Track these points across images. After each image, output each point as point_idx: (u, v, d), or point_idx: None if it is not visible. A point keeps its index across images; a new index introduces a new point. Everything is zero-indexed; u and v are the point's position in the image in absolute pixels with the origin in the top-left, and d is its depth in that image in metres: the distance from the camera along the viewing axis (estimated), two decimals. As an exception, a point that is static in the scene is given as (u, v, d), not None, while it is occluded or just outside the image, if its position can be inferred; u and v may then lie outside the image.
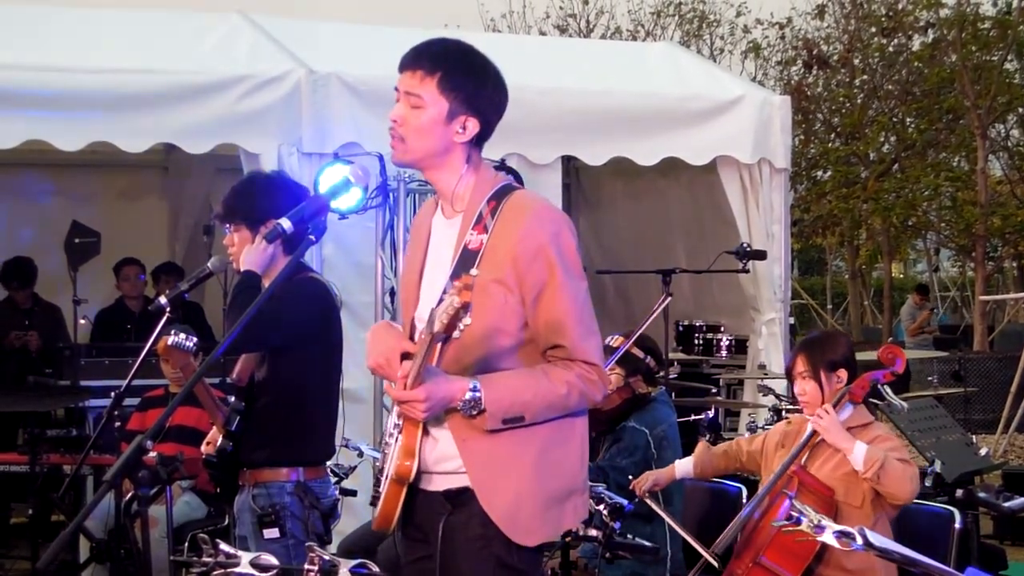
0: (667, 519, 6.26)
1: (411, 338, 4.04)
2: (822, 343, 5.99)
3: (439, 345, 3.82)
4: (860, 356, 6.02)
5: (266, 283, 5.42)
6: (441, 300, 3.60)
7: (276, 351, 5.31)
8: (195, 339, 5.24)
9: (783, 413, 8.36)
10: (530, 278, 3.86)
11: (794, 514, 3.92)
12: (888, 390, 5.93)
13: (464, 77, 3.96)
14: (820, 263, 39.13)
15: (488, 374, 3.86)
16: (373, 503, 4.15)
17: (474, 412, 3.82)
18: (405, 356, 3.87)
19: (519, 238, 3.87)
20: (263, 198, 5.40)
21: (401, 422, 3.96)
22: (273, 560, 3.78)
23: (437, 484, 3.97)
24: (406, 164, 4.10)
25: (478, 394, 3.80)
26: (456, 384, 3.82)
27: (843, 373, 5.81)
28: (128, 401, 7.14)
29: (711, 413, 9.06)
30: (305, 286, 5.39)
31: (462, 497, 3.92)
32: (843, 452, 5.59)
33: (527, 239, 3.87)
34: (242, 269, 5.34)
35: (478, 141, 4.04)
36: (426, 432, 3.94)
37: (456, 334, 3.65)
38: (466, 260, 3.90)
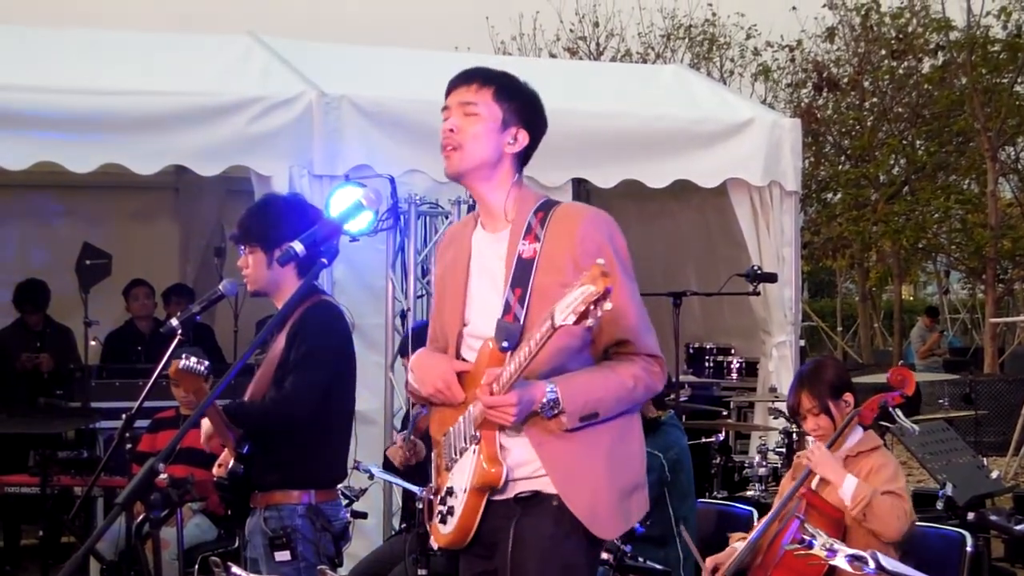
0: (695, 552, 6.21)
1: (458, 353, 4.17)
2: (818, 374, 5.92)
3: (508, 353, 3.90)
4: (871, 379, 6.02)
5: (278, 305, 5.45)
6: (563, 294, 3.62)
7: (288, 373, 5.32)
8: (207, 363, 5.24)
9: (793, 436, 8.36)
10: None
11: (806, 537, 3.92)
12: (900, 413, 5.93)
13: (516, 91, 4.20)
14: (830, 285, 39.09)
15: (561, 375, 3.97)
16: (444, 521, 4.17)
17: (553, 412, 3.93)
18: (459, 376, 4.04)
19: (578, 240, 4.01)
20: (279, 221, 5.40)
21: (479, 433, 4.03)
22: (284, 583, 3.79)
23: (508, 492, 4.06)
24: (459, 174, 4.18)
25: (556, 394, 3.91)
26: (536, 387, 3.92)
27: (849, 396, 5.81)
28: (139, 423, 7.15)
29: (721, 436, 9.05)
30: (325, 321, 5.41)
31: (533, 500, 4.03)
32: (834, 484, 5.59)
33: (586, 240, 4.01)
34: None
35: (523, 157, 4.23)
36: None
37: (591, 322, 3.64)
38: (522, 269, 4.02)
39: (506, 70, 4.33)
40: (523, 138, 4.18)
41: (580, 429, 3.96)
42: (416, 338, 6.66)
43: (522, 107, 4.19)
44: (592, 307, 3.57)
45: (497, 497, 4.06)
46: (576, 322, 3.61)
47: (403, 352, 7.86)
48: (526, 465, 4.03)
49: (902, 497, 5.53)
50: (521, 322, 3.94)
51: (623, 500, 4.08)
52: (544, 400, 3.90)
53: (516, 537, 4.01)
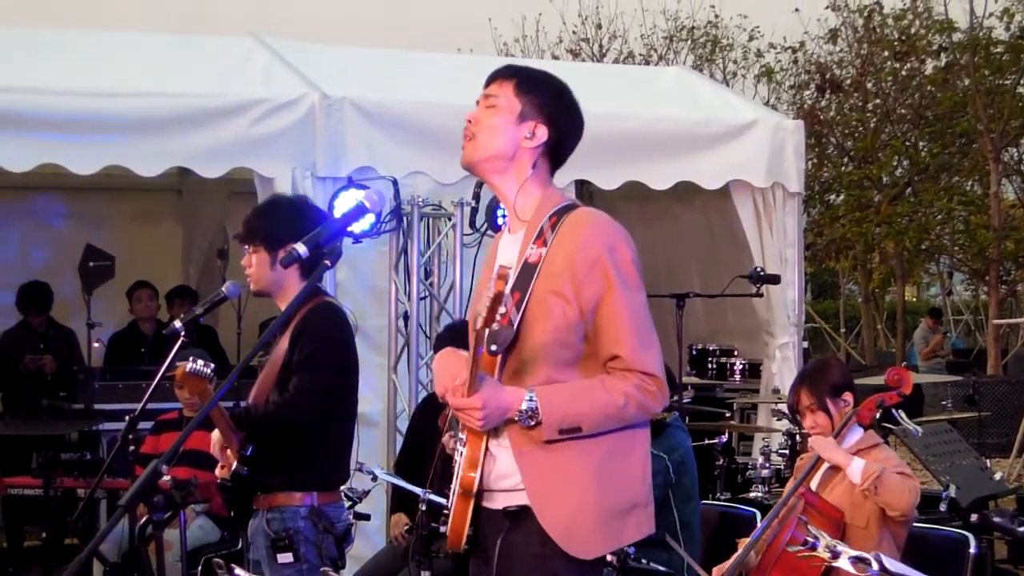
0: (689, 561, 6.20)
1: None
2: (819, 372, 5.98)
3: (499, 357, 3.89)
4: (873, 380, 6.02)
5: (280, 306, 5.45)
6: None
7: (291, 375, 5.32)
8: (212, 366, 5.25)
9: (797, 437, 8.35)
10: (587, 289, 3.91)
11: (809, 538, 3.92)
12: (903, 415, 5.93)
13: (540, 85, 4.13)
14: (833, 287, 39.04)
15: (545, 385, 3.90)
16: (444, 523, 4.17)
17: (531, 422, 3.86)
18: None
19: (576, 250, 3.93)
20: (285, 221, 5.41)
21: (464, 435, 4.01)
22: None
23: (497, 502, 4.00)
24: (473, 164, 4.14)
25: (534, 404, 3.85)
26: (513, 394, 3.87)
27: (848, 396, 5.84)
28: (142, 425, 7.15)
29: (725, 437, 9.04)
30: (328, 323, 5.42)
31: (521, 514, 3.94)
32: (842, 469, 5.61)
33: (583, 251, 3.93)
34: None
35: (550, 155, 4.14)
36: (487, 449, 3.98)
37: (495, 326, 3.66)
38: (525, 274, 3.96)
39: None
40: (542, 133, 4.07)
41: (563, 442, 3.88)
42: (452, 334, 6.62)
43: (544, 102, 4.10)
44: (492, 311, 3.60)
45: (487, 505, 4.01)
46: (485, 324, 3.65)
47: (436, 349, 7.85)
48: (511, 476, 3.96)
49: (911, 477, 5.59)
50: (515, 326, 3.90)
51: (611, 520, 3.95)
52: (522, 408, 3.84)
53: (501, 553, 3.95)
